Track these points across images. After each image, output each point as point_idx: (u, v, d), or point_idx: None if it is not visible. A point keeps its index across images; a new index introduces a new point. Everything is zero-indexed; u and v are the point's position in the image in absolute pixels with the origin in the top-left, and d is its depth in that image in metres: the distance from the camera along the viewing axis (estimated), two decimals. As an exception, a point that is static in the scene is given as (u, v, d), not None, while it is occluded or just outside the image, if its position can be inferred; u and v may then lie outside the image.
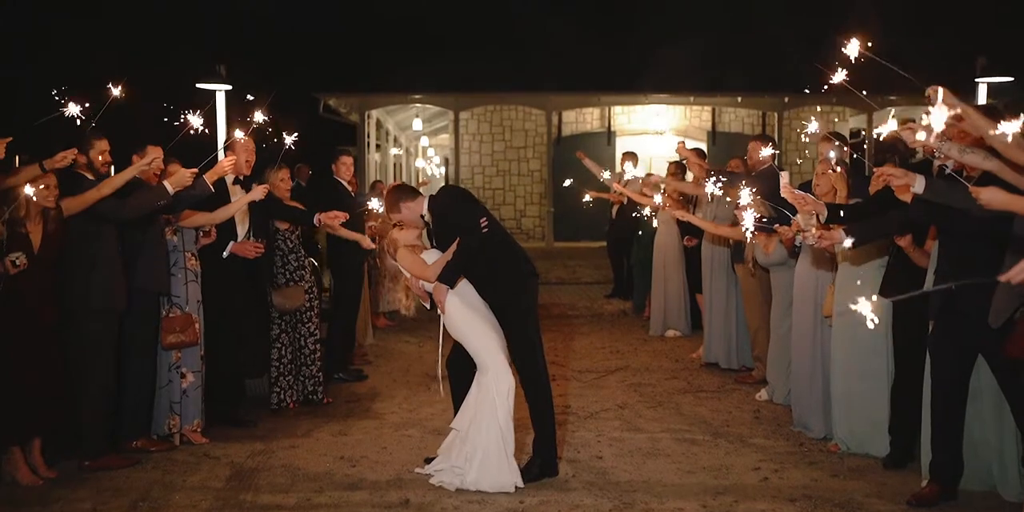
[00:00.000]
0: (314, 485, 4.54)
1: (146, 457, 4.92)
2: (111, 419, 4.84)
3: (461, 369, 4.68)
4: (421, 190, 5.12)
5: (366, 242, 6.69)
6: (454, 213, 4.62)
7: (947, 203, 3.63)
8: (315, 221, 5.87)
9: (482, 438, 4.38)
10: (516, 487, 4.37)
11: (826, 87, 3.53)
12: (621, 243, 10.60)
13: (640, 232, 9.35)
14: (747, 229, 4.40)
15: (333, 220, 5.85)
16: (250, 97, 5.24)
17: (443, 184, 15.34)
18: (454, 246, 4.51)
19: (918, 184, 3.63)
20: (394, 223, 4.81)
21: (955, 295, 3.86)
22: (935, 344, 4.12)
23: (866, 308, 2.80)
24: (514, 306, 4.62)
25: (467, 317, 4.53)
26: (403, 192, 4.79)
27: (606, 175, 9.82)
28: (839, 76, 3.52)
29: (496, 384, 4.40)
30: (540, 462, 4.60)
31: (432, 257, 4.66)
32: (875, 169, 3.79)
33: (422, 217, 4.70)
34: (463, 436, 4.45)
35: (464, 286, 4.62)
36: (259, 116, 5.50)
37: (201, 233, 5.39)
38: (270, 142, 6.00)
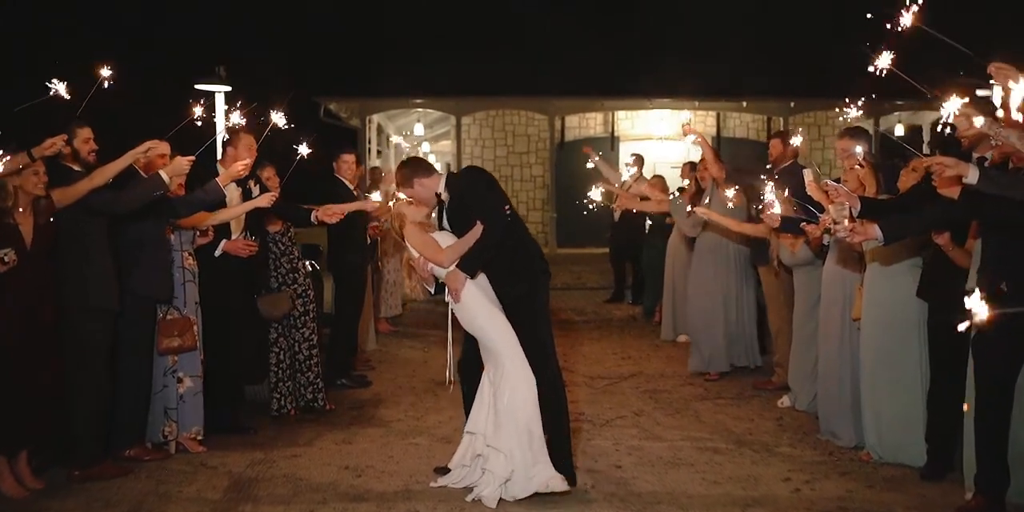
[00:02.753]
0: (317, 496, 4.27)
1: (139, 466, 4.65)
2: (104, 426, 4.57)
3: (473, 372, 4.42)
4: None
5: (370, 205, 6.33)
6: (478, 196, 4.28)
7: (1002, 194, 3.39)
8: (312, 219, 5.68)
9: (510, 441, 4.06)
10: (566, 483, 4.11)
11: (882, 69, 3.30)
12: (624, 248, 10.35)
13: (649, 233, 9.08)
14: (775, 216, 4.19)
15: (331, 217, 5.64)
16: (275, 121, 5.05)
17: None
18: (475, 231, 4.19)
19: (971, 174, 3.39)
20: (397, 204, 4.45)
21: (1007, 294, 3.61)
22: (981, 346, 3.87)
23: (979, 308, 2.15)
24: (527, 303, 4.34)
25: (484, 306, 4.22)
26: (418, 167, 4.46)
27: (624, 177, 9.38)
28: (885, 59, 3.29)
29: (516, 378, 4.11)
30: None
31: (445, 240, 4.31)
32: (922, 159, 3.55)
33: (437, 195, 4.37)
34: (487, 441, 4.12)
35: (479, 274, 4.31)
36: (279, 118, 5.30)
37: (198, 232, 5.15)
38: (277, 145, 5.82)
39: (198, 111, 4.57)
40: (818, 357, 5.32)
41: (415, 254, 4.33)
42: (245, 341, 5.57)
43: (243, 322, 5.46)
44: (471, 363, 4.41)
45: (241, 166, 4.88)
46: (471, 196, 4.31)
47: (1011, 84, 2.85)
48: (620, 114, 17.33)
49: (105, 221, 4.46)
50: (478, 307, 4.21)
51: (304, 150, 5.31)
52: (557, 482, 4.10)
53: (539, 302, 4.40)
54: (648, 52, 15.09)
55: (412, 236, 4.34)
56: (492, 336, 4.19)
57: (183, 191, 5.00)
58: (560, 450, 4.34)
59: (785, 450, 4.98)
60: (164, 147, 4.67)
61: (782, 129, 15.41)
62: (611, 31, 16.44)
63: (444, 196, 4.35)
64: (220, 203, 5.00)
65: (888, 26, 3.18)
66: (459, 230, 4.31)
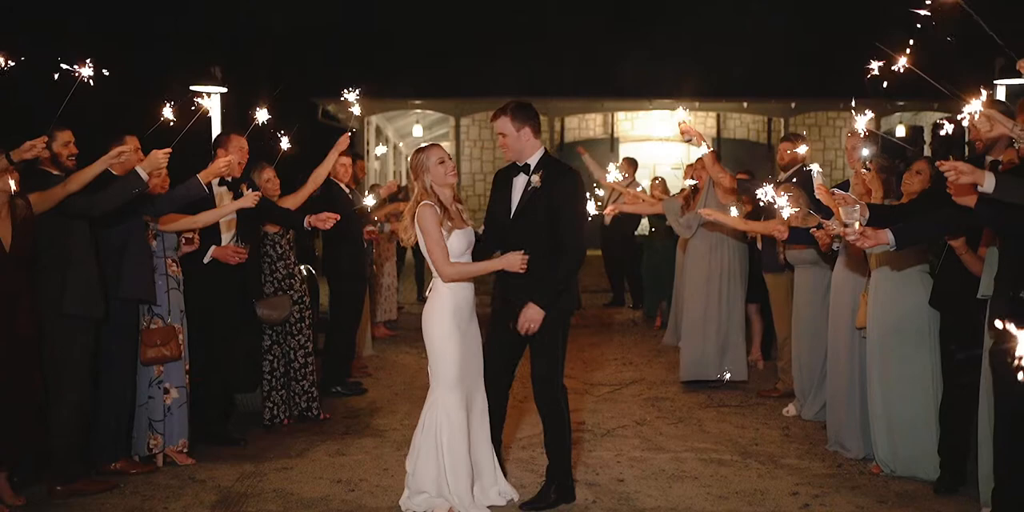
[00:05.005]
0: (309, 512, 4.13)
1: (124, 480, 4.49)
2: (86, 439, 4.41)
3: (496, 383, 4.18)
4: None
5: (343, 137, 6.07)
6: (577, 217, 3.97)
7: (1021, 203, 3.24)
8: (305, 224, 5.50)
9: (425, 461, 3.97)
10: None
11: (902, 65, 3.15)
12: (617, 253, 10.19)
13: (650, 235, 8.89)
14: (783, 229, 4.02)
15: (324, 223, 5.47)
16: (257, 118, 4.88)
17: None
18: (497, 263, 3.90)
19: (988, 182, 3.24)
20: (430, 148, 4.03)
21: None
22: (1000, 358, 3.71)
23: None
24: (558, 317, 4.07)
25: (447, 325, 3.95)
26: (534, 119, 4.04)
27: (611, 177, 9.12)
28: (902, 62, 3.14)
29: (444, 404, 3.94)
30: (556, 487, 4.18)
31: (458, 241, 3.92)
32: (938, 163, 3.40)
33: (528, 171, 4.03)
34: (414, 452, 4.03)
35: (465, 294, 4.04)
36: (262, 114, 5.18)
37: (183, 239, 4.97)
38: (267, 143, 5.69)
39: (168, 113, 4.42)
40: (826, 365, 5.18)
41: (422, 239, 3.93)
42: (236, 348, 5.41)
43: (233, 329, 5.30)
44: (497, 374, 4.18)
45: (223, 163, 4.71)
46: (569, 212, 3.99)
47: None
48: (620, 115, 17.19)
49: (85, 224, 4.29)
50: (440, 322, 3.95)
51: (285, 145, 5.15)
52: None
53: (567, 318, 4.19)
54: (648, 53, 14.95)
55: (426, 225, 3.88)
56: (438, 356, 3.96)
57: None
58: (560, 468, 4.19)
59: (792, 462, 4.83)
60: (133, 142, 4.51)
61: (789, 132, 15.27)
62: (611, 31, 16.30)
63: (536, 181, 4.00)
64: (204, 201, 4.80)
65: (919, 22, 3.05)
66: (519, 233, 3.99)
